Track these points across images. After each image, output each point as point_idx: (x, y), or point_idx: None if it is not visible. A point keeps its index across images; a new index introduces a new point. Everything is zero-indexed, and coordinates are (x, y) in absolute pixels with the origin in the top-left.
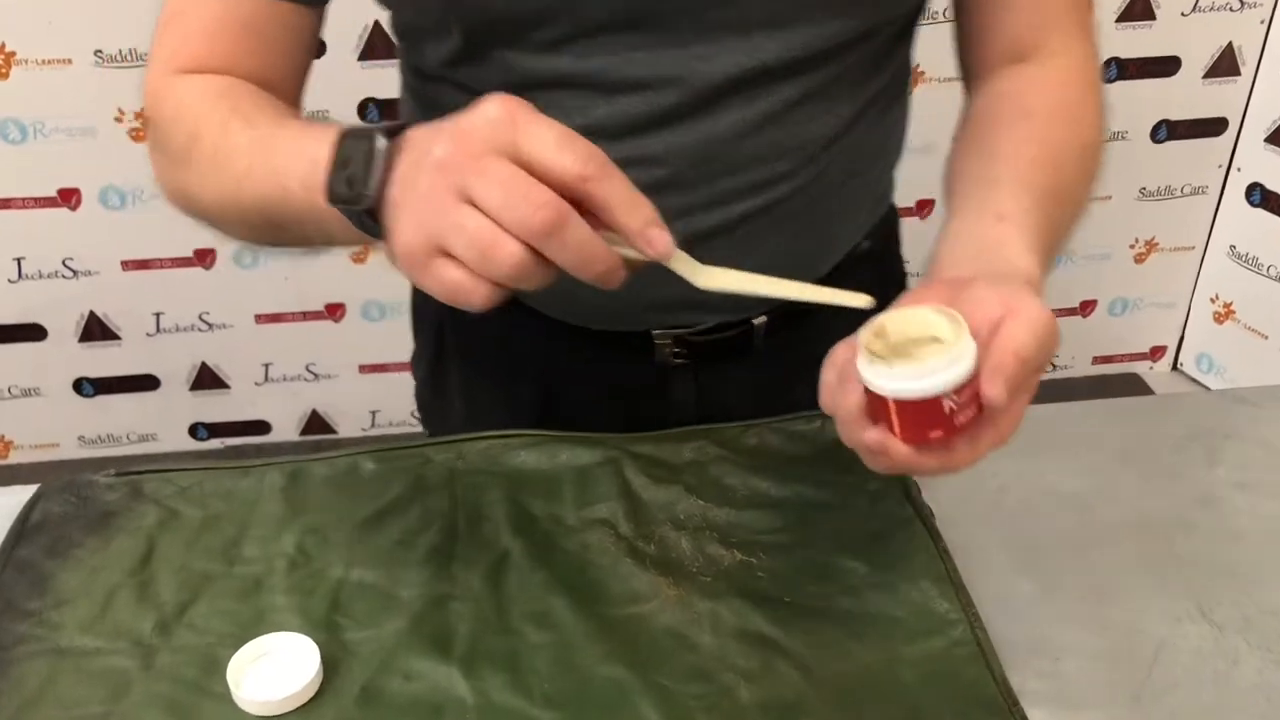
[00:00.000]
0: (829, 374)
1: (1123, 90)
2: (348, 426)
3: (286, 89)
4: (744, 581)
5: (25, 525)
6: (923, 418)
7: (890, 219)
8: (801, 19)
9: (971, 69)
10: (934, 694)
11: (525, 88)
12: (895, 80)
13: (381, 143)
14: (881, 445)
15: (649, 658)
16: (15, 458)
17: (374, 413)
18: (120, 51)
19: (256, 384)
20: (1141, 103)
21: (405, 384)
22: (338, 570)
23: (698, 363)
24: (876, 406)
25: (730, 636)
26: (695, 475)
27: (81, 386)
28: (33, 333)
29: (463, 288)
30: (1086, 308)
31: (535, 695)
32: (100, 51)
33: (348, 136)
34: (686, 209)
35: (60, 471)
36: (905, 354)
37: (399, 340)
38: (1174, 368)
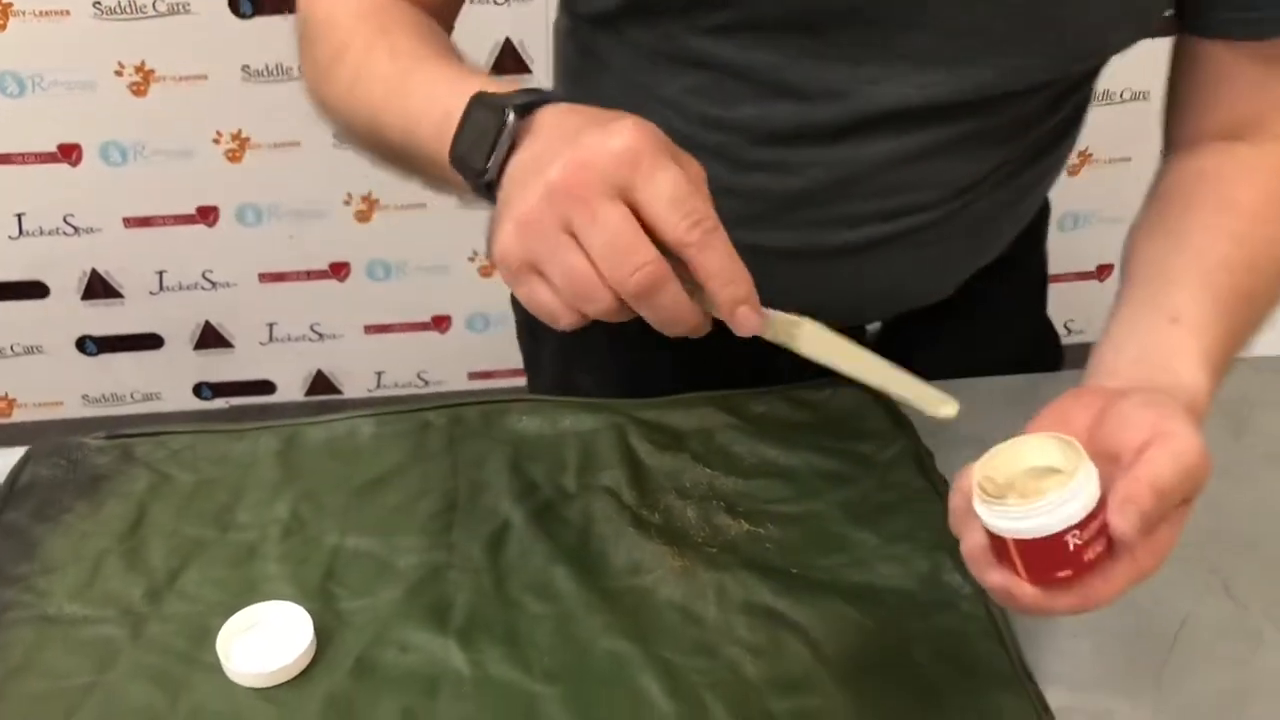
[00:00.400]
0: (957, 501)
1: (1146, 47)
2: (353, 387)
3: (441, 7)
4: (751, 553)
5: (13, 488)
6: (1047, 557)
7: (1037, 220)
8: (984, 61)
9: (1176, 137)
10: (947, 670)
11: (680, 60)
12: (1068, 118)
13: (511, 120)
14: (1006, 590)
15: (652, 631)
16: (18, 416)
17: (379, 374)
18: (119, 3)
19: (261, 344)
20: (1166, 61)
21: (411, 345)
22: (333, 538)
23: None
24: (998, 546)
25: (736, 610)
26: (702, 443)
27: (84, 345)
28: (34, 290)
29: (550, 310)
30: (1104, 272)
31: (534, 668)
32: (99, 3)
33: (481, 103)
34: (814, 222)
35: (64, 431)
36: (1024, 488)
37: (404, 300)
38: None
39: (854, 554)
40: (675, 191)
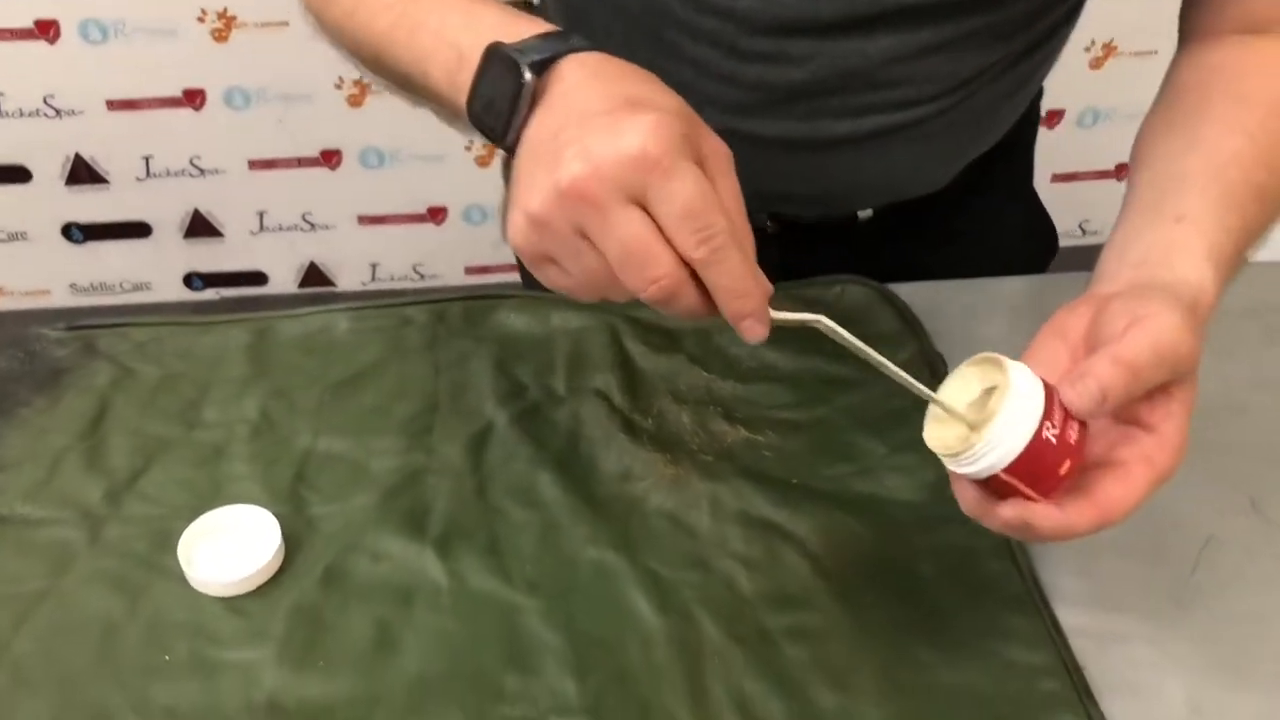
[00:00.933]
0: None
1: None
2: (347, 279)
3: None
4: (748, 461)
5: None
6: (1040, 463)
7: (1029, 113)
8: None
9: (1192, 29)
10: (954, 589)
11: None
12: (1074, 5)
13: (529, 81)
14: (1023, 520)
15: (641, 541)
16: (6, 304)
17: (374, 265)
18: None
19: (252, 233)
20: None
21: (406, 236)
22: (304, 438)
23: (788, 234)
24: (997, 487)
25: (731, 520)
26: (699, 344)
27: (70, 232)
28: (17, 174)
29: (570, 292)
30: (1122, 171)
31: (515, 579)
32: None
33: (496, 56)
34: (815, 113)
35: (52, 320)
36: (977, 423)
37: (398, 190)
38: None
39: (861, 463)
40: (687, 205)
